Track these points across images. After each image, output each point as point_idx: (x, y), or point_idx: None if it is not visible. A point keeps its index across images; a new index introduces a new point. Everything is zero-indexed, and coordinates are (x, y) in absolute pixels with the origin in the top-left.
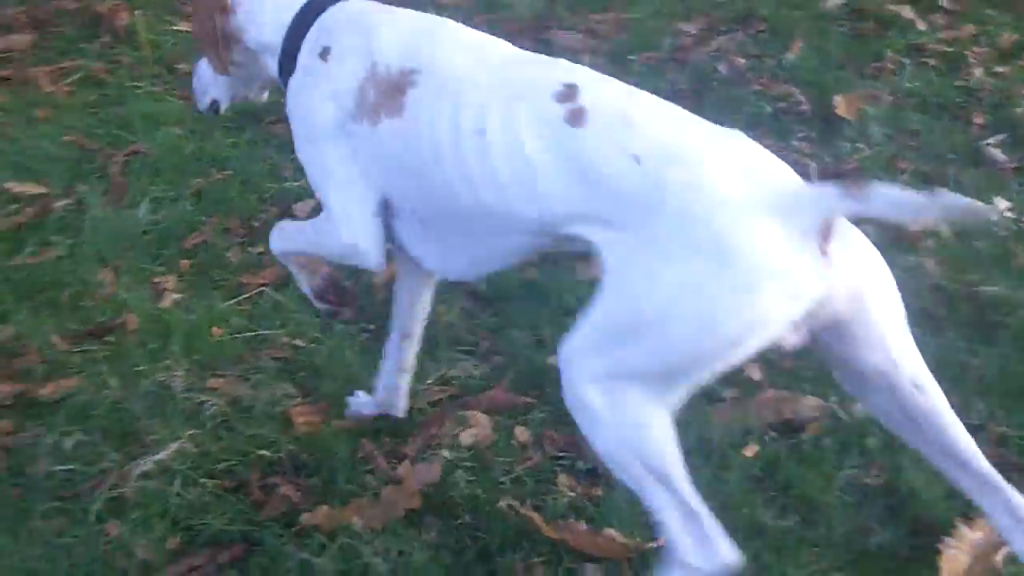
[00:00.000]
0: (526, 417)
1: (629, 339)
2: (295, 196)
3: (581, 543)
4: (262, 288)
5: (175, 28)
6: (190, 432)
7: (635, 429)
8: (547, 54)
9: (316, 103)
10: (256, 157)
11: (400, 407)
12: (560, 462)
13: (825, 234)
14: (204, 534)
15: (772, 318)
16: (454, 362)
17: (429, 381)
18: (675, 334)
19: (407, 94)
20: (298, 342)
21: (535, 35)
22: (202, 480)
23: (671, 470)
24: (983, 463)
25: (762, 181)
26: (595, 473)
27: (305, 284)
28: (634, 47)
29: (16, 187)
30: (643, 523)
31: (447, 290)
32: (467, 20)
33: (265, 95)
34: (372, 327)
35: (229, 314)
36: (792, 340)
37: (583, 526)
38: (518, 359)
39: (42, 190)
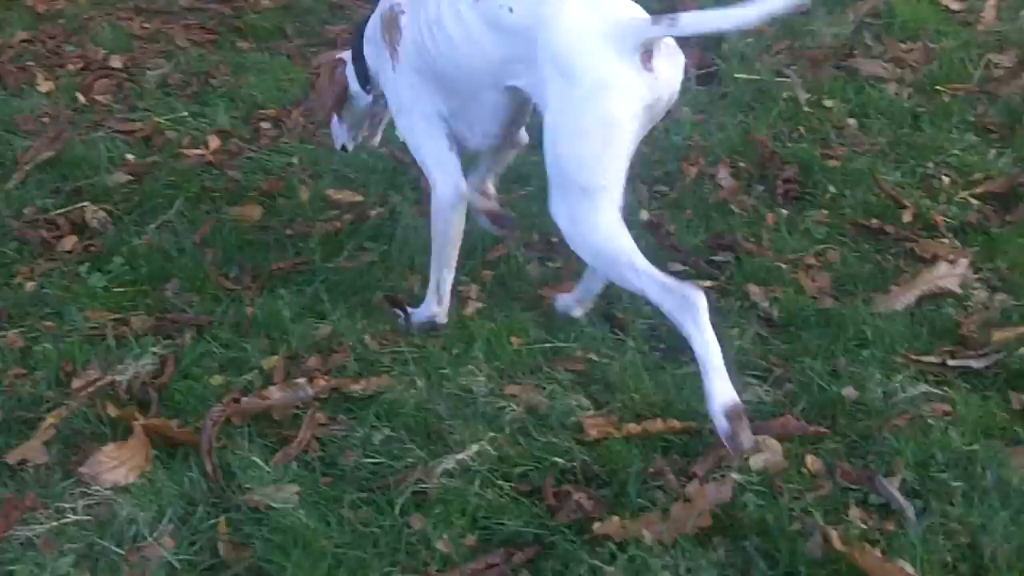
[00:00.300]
0: (817, 447)
1: (565, 170)
2: None
3: (873, 569)
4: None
5: None
6: (490, 435)
7: (607, 242)
8: (851, 82)
9: (388, 75)
10: None
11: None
12: (852, 494)
13: (649, 53)
14: (500, 534)
15: (621, 116)
16: (745, 387)
17: None
18: (578, 149)
19: (400, 21)
20: (592, 356)
21: (838, 62)
22: (499, 482)
23: (636, 260)
24: None
25: (602, 15)
26: (888, 508)
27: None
28: (941, 78)
29: (335, 195)
30: (936, 561)
31: (741, 316)
32: (769, 47)
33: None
34: (663, 346)
35: (527, 325)
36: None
37: (877, 553)
38: (811, 388)
39: (359, 198)
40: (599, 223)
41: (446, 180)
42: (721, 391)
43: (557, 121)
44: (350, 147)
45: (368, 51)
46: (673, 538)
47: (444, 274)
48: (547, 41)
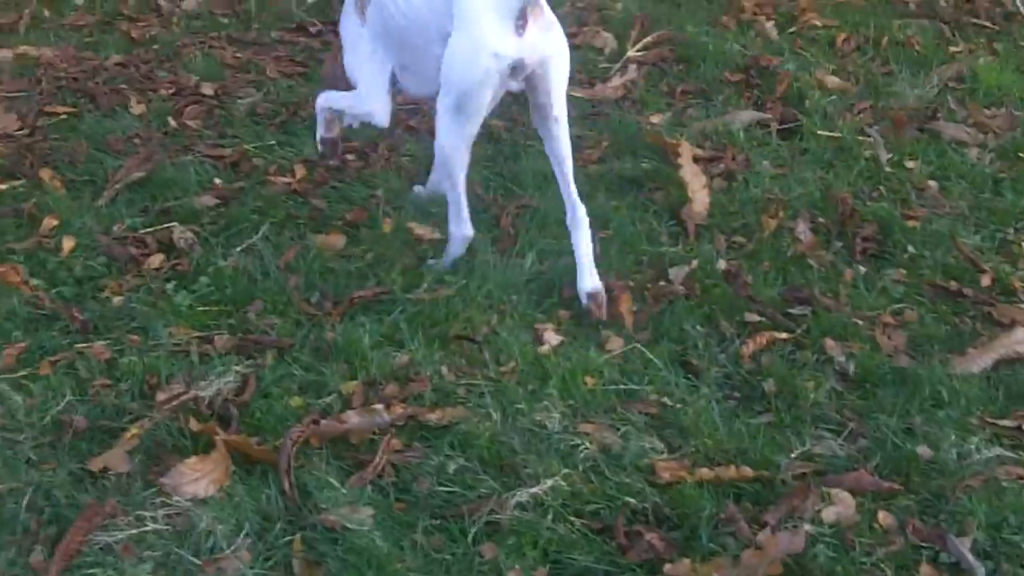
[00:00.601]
0: (890, 503)
1: (445, 88)
2: (669, 261)
3: None
4: (634, 345)
5: (570, 94)
6: (564, 471)
7: (450, 150)
8: (933, 145)
9: (347, 25)
10: (637, 220)
11: None
12: (923, 551)
13: (523, 22)
14: (570, 569)
15: (489, 67)
16: (819, 439)
17: (793, 455)
18: (456, 80)
19: None
20: (666, 400)
21: (921, 124)
22: (571, 518)
23: (458, 177)
24: (568, 170)
25: None
26: (958, 568)
27: (321, 130)
28: None
29: (417, 228)
30: None
31: (816, 369)
32: (852, 106)
33: None
34: (737, 394)
35: (602, 366)
36: (514, 85)
37: None
38: (885, 444)
39: (438, 235)
40: (451, 135)
41: (379, 112)
42: (445, 261)
43: (449, 55)
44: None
45: (344, 23)
46: None
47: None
48: (460, 13)
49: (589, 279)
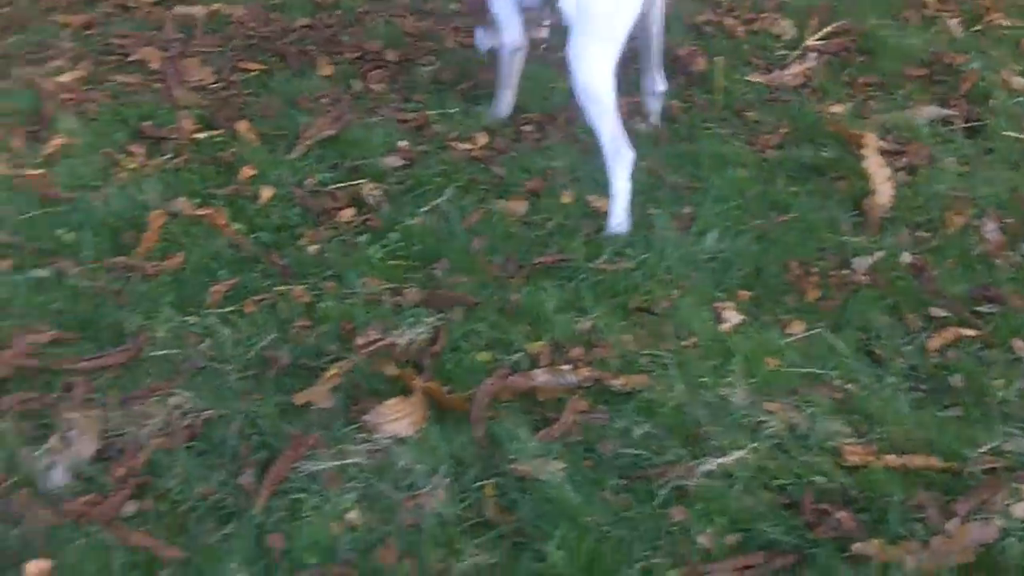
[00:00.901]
0: None
1: (588, 26)
2: (852, 251)
3: None
4: (818, 329)
5: (747, 79)
6: (751, 446)
7: (600, 78)
8: None
9: None
10: (817, 208)
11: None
12: None
13: None
14: (758, 539)
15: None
16: (1009, 436)
17: (982, 450)
18: (603, 9)
19: None
20: (850, 387)
21: None
22: (758, 491)
23: (609, 104)
24: (657, 59)
25: None
26: None
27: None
28: None
29: (595, 202)
30: None
31: (1006, 368)
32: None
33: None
34: (924, 387)
35: (783, 348)
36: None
37: None
38: None
39: None
40: (597, 66)
41: (511, 34)
42: (617, 215)
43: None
44: (484, 50)
45: None
46: (936, 569)
47: (506, 91)
48: None
49: (655, 120)
